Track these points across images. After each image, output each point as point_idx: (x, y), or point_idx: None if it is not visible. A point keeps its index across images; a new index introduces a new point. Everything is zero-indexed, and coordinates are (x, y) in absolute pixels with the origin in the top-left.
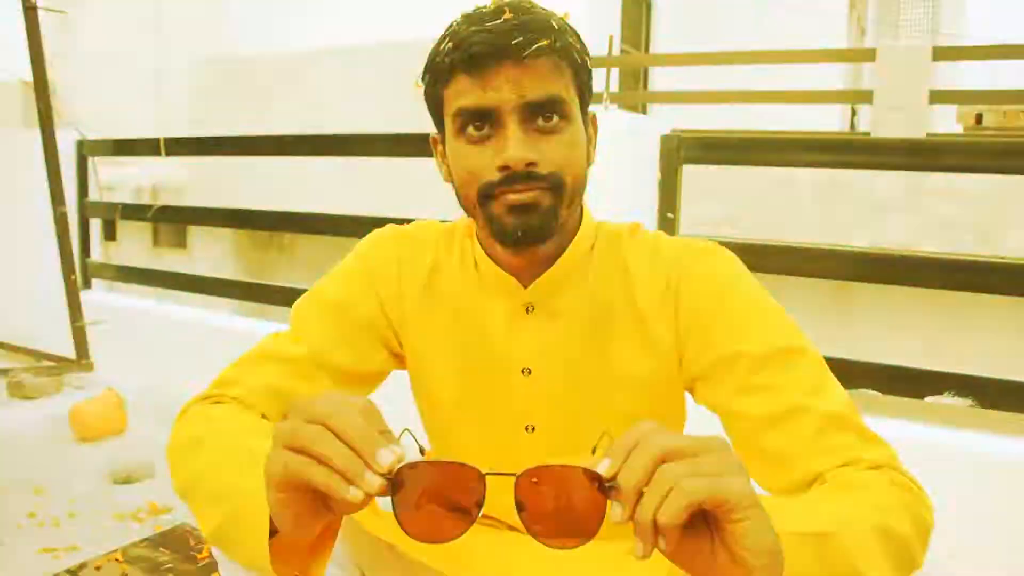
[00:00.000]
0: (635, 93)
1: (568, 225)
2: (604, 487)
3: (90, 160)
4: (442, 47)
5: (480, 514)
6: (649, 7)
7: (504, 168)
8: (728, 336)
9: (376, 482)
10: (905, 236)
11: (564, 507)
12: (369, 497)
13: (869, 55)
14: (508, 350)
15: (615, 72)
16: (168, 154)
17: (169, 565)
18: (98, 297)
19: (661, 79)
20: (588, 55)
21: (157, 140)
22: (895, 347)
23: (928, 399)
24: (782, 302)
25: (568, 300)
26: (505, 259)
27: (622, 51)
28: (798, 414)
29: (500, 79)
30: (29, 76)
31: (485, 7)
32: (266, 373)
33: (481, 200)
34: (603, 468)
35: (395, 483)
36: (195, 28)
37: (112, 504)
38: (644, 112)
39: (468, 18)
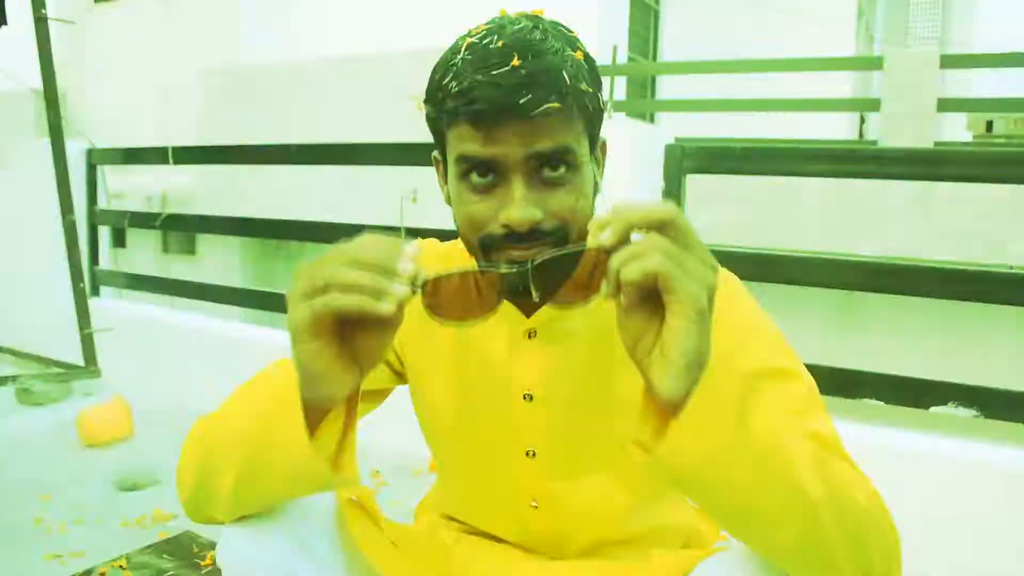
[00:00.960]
0: (642, 101)
1: None
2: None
3: (99, 168)
4: (444, 83)
5: (500, 304)
6: (657, 15)
7: (507, 226)
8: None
9: (403, 290)
10: (913, 245)
11: (572, 276)
12: (400, 310)
13: (877, 63)
14: (509, 375)
15: (622, 81)
16: (177, 162)
17: (172, 572)
18: (107, 304)
19: (670, 87)
20: (600, 89)
21: (166, 149)
22: (902, 357)
23: (932, 410)
24: (789, 312)
25: (571, 325)
26: None
27: (629, 59)
28: None
29: (507, 133)
30: (40, 85)
31: (491, 44)
32: None
33: (483, 248)
34: (605, 236)
35: (422, 290)
36: (204, 37)
37: (118, 511)
38: (652, 120)
39: (473, 55)
